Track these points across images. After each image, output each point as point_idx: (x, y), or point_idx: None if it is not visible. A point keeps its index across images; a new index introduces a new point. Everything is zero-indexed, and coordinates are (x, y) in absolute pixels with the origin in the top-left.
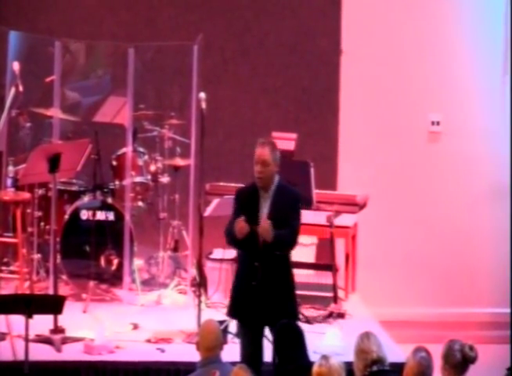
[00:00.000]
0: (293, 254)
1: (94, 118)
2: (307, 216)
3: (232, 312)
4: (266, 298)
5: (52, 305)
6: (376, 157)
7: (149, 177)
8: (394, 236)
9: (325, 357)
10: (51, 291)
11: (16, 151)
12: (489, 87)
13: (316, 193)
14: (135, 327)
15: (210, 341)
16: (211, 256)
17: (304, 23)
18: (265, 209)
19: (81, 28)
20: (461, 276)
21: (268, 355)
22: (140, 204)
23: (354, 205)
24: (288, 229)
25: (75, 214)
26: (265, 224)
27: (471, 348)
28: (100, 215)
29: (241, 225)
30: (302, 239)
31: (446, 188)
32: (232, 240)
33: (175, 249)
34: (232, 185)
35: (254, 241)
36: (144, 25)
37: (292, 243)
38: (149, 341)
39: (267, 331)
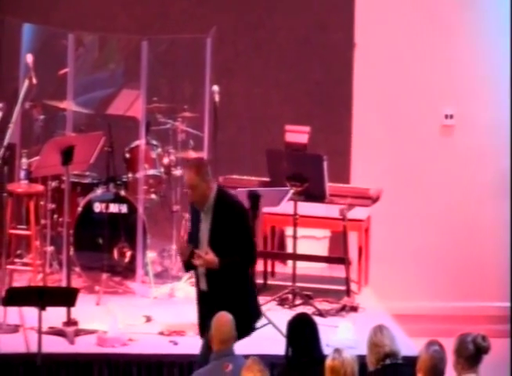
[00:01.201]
0: (307, 247)
1: (107, 111)
2: (320, 209)
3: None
4: (212, 312)
5: (65, 297)
6: (390, 150)
7: (162, 170)
8: (406, 230)
9: (338, 350)
10: (64, 284)
11: (30, 143)
12: (503, 81)
13: (329, 186)
14: (148, 319)
15: (223, 334)
16: None
17: (317, 16)
18: (205, 228)
19: (94, 21)
20: (473, 270)
21: (280, 348)
22: (153, 196)
23: (367, 198)
24: (240, 255)
25: (88, 206)
26: (206, 257)
27: (484, 338)
28: (113, 208)
29: (182, 248)
30: (315, 232)
31: (459, 182)
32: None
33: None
34: (246, 178)
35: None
36: (157, 18)
37: (247, 265)
38: (162, 333)
39: None
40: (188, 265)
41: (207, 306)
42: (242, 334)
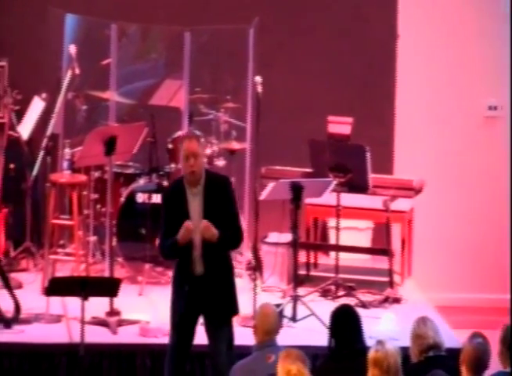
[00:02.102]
0: (350, 238)
1: (150, 101)
2: (363, 200)
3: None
4: (208, 297)
5: (108, 287)
6: (432, 141)
7: (204, 160)
8: (450, 221)
9: (381, 342)
10: (107, 274)
11: (73, 134)
12: None
13: (372, 177)
14: None
15: (268, 325)
16: (267, 240)
17: (360, 7)
18: (196, 206)
19: (137, 11)
20: None
21: (322, 339)
22: None
23: (410, 190)
24: (233, 230)
25: (131, 196)
26: (205, 224)
27: None
28: (156, 198)
29: (188, 229)
30: (358, 223)
31: (502, 173)
32: (166, 254)
33: None
34: (288, 168)
35: (189, 248)
36: (200, 8)
37: (238, 243)
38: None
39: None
40: (177, 254)
41: (200, 290)
42: (229, 316)
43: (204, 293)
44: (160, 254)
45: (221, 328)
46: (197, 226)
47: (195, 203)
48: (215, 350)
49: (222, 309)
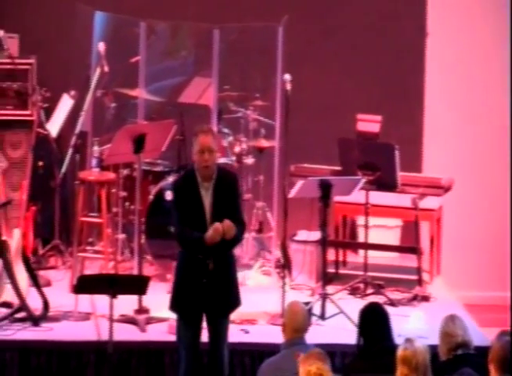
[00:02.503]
0: (378, 236)
1: (179, 99)
2: (391, 199)
3: (177, 307)
4: (215, 291)
5: (137, 285)
6: (461, 139)
7: (233, 158)
8: (478, 220)
9: (409, 340)
10: (135, 272)
11: (101, 131)
12: None
13: (401, 175)
14: None
15: (297, 323)
16: (296, 238)
17: (389, 5)
18: (206, 200)
19: (166, 9)
20: None
21: (351, 337)
22: None
23: (439, 188)
24: (239, 227)
25: (159, 194)
26: (229, 223)
27: None
28: None
29: (218, 231)
30: (387, 221)
31: None
32: (185, 244)
33: (260, 230)
34: (317, 166)
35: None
36: (229, 6)
37: (241, 239)
38: (233, 322)
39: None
40: (194, 245)
41: (211, 284)
42: (233, 310)
43: (214, 287)
44: (178, 242)
45: (222, 322)
46: (209, 221)
47: (207, 197)
48: (217, 346)
49: (228, 302)
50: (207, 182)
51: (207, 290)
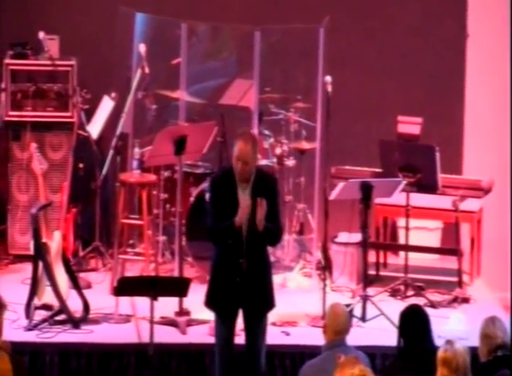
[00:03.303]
0: (419, 238)
1: (220, 101)
2: (432, 200)
3: (212, 304)
4: (249, 291)
5: (178, 287)
6: (502, 141)
7: (274, 160)
8: None
9: (450, 342)
10: (176, 274)
11: (142, 133)
12: None
13: (441, 177)
14: None
15: (338, 325)
16: (337, 240)
17: (430, 6)
18: (245, 200)
19: (207, 10)
20: None
21: (391, 339)
22: None
23: (479, 190)
24: (276, 226)
25: (201, 196)
26: (261, 210)
27: None
28: None
29: (246, 205)
30: (427, 223)
31: None
32: (217, 236)
33: (301, 232)
34: (358, 168)
35: (238, 237)
36: (270, 7)
37: (279, 239)
38: (274, 324)
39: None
40: (225, 238)
41: (245, 284)
42: (267, 311)
43: (248, 287)
44: (210, 236)
45: (259, 323)
46: (245, 220)
47: (244, 197)
48: (254, 346)
49: (262, 303)
50: (244, 183)
51: (241, 289)
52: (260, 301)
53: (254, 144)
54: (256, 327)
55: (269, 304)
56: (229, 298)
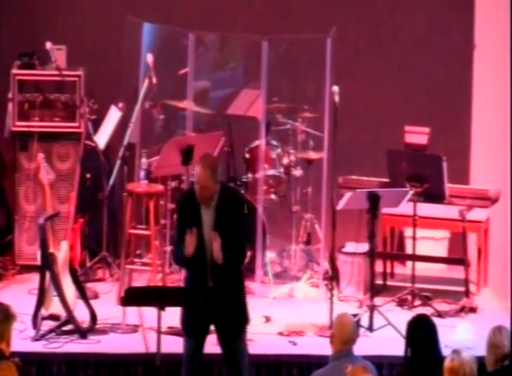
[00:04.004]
0: (426, 248)
1: (227, 111)
2: (439, 210)
3: (181, 321)
4: (218, 310)
5: (185, 297)
6: (509, 151)
7: (281, 170)
8: None
9: (457, 351)
10: (183, 284)
11: (150, 143)
12: None
13: (449, 187)
14: (268, 319)
15: (346, 335)
16: (344, 250)
17: (438, 17)
18: (208, 220)
19: (215, 20)
20: None
21: (399, 348)
22: (273, 196)
23: (486, 199)
24: (238, 249)
25: None
26: (216, 245)
27: None
28: None
29: (190, 240)
30: (434, 233)
31: None
32: (179, 258)
33: (308, 242)
34: (365, 178)
35: (203, 260)
36: (278, 18)
37: (242, 261)
38: (281, 333)
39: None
40: (189, 262)
41: (212, 302)
42: (238, 332)
43: (216, 304)
44: (173, 260)
45: (235, 339)
46: (209, 239)
47: (207, 217)
48: (233, 361)
49: (233, 320)
50: (207, 203)
51: (207, 308)
52: (230, 318)
53: (213, 169)
54: (230, 344)
55: (241, 320)
56: (194, 317)
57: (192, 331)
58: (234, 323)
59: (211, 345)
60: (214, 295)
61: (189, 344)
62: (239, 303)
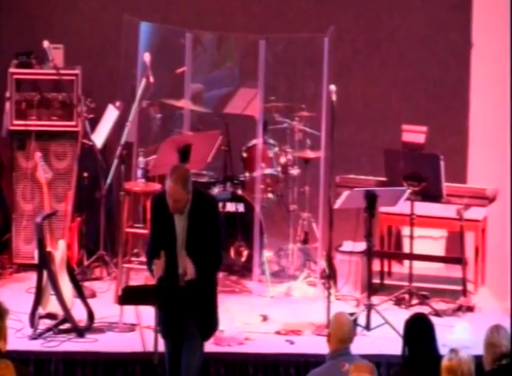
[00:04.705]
0: (424, 247)
1: (224, 110)
2: (436, 209)
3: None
4: (188, 314)
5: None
6: (507, 150)
7: (279, 169)
8: None
9: (454, 350)
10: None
11: (147, 142)
12: None
13: (446, 186)
14: (265, 318)
15: (343, 333)
16: (341, 248)
17: (435, 16)
18: (180, 223)
19: (212, 20)
20: None
21: (396, 347)
22: (270, 195)
23: (484, 198)
24: (212, 256)
25: None
26: (188, 268)
27: None
28: (230, 207)
29: (157, 266)
30: (432, 232)
31: None
32: (150, 270)
33: (305, 241)
34: (363, 177)
35: (174, 267)
36: (275, 17)
37: (217, 267)
38: (278, 333)
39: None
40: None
41: (184, 303)
42: (208, 334)
43: (187, 306)
44: (146, 265)
45: (193, 342)
46: (182, 245)
47: (180, 223)
48: (188, 362)
49: (202, 323)
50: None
51: (180, 307)
52: (198, 322)
53: (184, 181)
54: (191, 346)
55: (210, 325)
56: (167, 318)
57: (167, 332)
58: (199, 327)
59: (211, 344)
60: (185, 296)
61: (166, 344)
62: (209, 308)
